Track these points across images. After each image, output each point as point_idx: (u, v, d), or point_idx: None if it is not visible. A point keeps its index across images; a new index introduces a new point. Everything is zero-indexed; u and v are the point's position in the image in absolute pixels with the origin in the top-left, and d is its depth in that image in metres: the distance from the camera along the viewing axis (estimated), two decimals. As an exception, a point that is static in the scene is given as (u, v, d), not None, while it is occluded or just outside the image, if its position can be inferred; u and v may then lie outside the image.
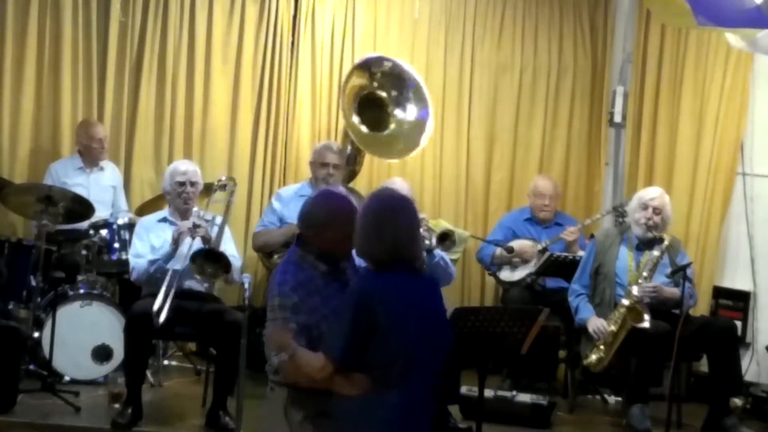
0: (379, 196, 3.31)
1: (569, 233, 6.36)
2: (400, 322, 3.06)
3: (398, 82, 6.28)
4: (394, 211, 3.19)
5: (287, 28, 7.00)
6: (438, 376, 3.22)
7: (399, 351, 3.08)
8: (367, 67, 6.23)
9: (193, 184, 5.44)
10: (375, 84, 6.25)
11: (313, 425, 3.37)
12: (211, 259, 5.17)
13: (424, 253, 5.39)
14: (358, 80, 6.18)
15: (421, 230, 5.36)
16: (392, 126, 6.30)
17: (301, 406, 3.33)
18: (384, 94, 6.27)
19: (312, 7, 6.99)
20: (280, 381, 3.44)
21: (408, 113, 6.28)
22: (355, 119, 6.17)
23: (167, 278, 5.15)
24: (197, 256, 5.12)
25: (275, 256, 6.12)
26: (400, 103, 6.27)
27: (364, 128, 6.22)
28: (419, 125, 6.25)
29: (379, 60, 6.34)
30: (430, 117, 6.26)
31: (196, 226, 5.24)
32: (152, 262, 5.26)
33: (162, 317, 5.04)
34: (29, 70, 6.63)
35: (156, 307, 5.05)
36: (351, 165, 6.42)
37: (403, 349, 3.09)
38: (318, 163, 6.05)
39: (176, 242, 5.21)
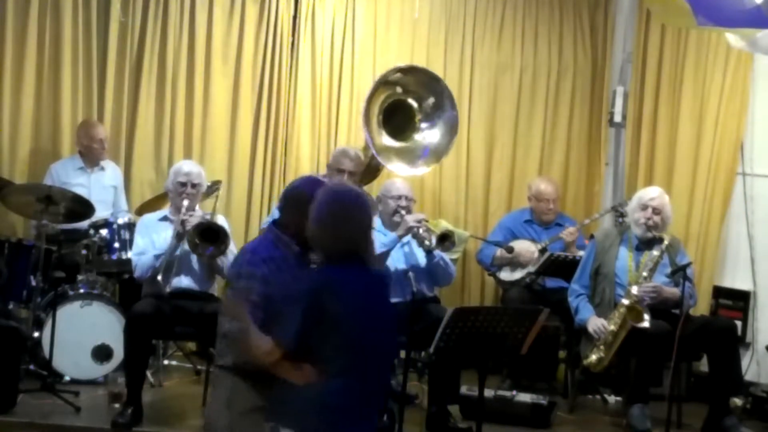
0: (336, 191, 3.35)
1: (568, 234, 6.36)
2: (349, 315, 3.12)
3: (432, 86, 6.35)
4: (350, 208, 3.24)
5: (287, 28, 7.01)
6: (387, 372, 3.29)
7: (346, 343, 3.13)
8: (390, 77, 6.31)
9: (194, 185, 5.44)
10: (400, 90, 6.31)
11: (252, 420, 3.39)
12: (206, 236, 5.19)
13: (423, 254, 5.46)
14: (383, 92, 6.27)
15: (421, 231, 5.39)
16: (415, 137, 6.37)
17: (243, 397, 3.32)
18: (414, 103, 6.32)
19: (312, 7, 6.99)
20: (224, 365, 3.52)
21: (435, 128, 6.37)
22: (382, 134, 6.24)
23: (168, 247, 5.22)
24: (192, 234, 5.16)
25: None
26: (429, 115, 6.33)
27: (388, 141, 6.28)
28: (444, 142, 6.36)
29: (404, 66, 6.44)
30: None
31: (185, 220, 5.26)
32: (157, 257, 5.26)
33: (168, 287, 5.10)
34: (29, 70, 6.63)
35: (160, 276, 5.09)
36: (372, 174, 6.47)
37: (350, 342, 3.14)
38: (334, 168, 6.07)
39: (178, 236, 5.22)
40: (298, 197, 3.58)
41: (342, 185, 3.60)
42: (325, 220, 3.21)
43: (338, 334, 3.12)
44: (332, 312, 3.11)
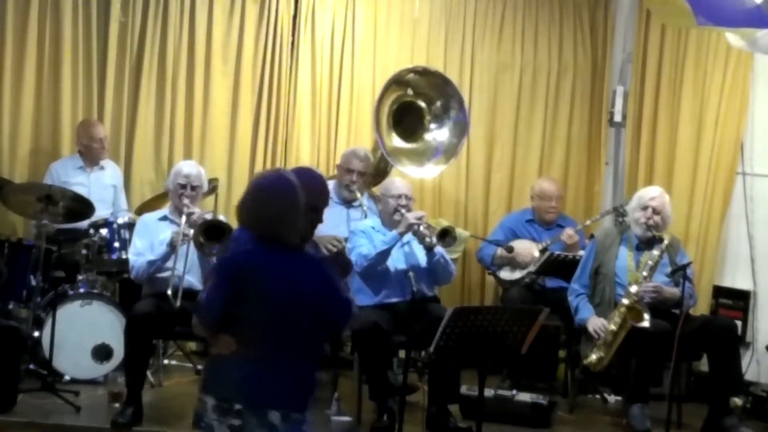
0: (261, 178, 3.57)
1: (567, 237, 6.34)
2: (264, 292, 3.32)
3: (443, 89, 6.35)
4: (271, 194, 3.42)
5: (287, 28, 7.00)
6: (306, 355, 3.41)
7: (261, 319, 3.32)
8: (403, 77, 6.31)
9: (194, 188, 5.44)
10: (411, 92, 6.32)
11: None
12: (210, 234, 5.20)
13: (424, 253, 5.45)
14: (394, 92, 6.27)
15: (422, 228, 5.39)
16: (425, 138, 6.37)
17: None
18: (424, 105, 6.33)
19: (312, 7, 6.99)
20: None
21: (444, 129, 6.38)
22: (392, 135, 6.25)
23: (175, 261, 5.20)
24: (197, 233, 5.18)
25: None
26: (439, 116, 6.34)
27: (398, 142, 6.28)
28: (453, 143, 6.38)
29: (419, 67, 6.45)
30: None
31: (187, 236, 5.26)
32: (151, 263, 5.28)
33: (179, 300, 5.09)
34: (29, 70, 6.63)
35: (170, 290, 5.10)
36: (381, 175, 6.47)
37: (265, 319, 3.32)
38: (344, 168, 6.07)
39: (173, 245, 5.23)
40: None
41: (271, 172, 3.75)
42: (249, 204, 3.44)
43: (255, 310, 3.32)
44: (249, 289, 3.31)
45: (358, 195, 6.05)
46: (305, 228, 3.53)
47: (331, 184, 6.23)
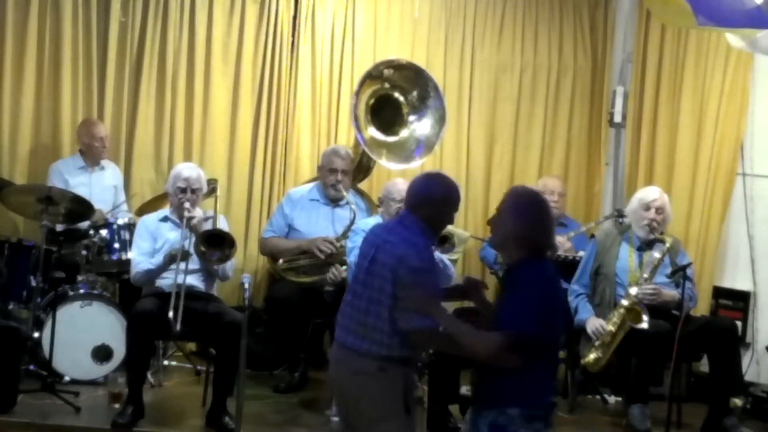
0: (525, 193, 3.64)
1: (559, 244, 6.29)
2: (562, 304, 3.65)
3: (417, 79, 6.33)
4: (540, 207, 3.53)
5: (287, 28, 7.00)
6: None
7: (556, 331, 3.52)
8: (378, 71, 6.30)
9: (194, 191, 5.45)
10: (387, 85, 6.30)
11: (417, 411, 3.64)
12: (211, 242, 5.22)
13: None
14: (370, 86, 6.25)
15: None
16: (405, 130, 6.36)
17: (413, 390, 3.55)
18: (401, 97, 6.32)
19: (312, 7, 6.98)
20: (395, 358, 3.57)
21: (424, 120, 6.35)
22: (371, 129, 6.23)
23: (174, 287, 5.19)
24: (198, 243, 5.21)
25: (280, 260, 6.13)
26: (417, 107, 6.32)
27: (377, 135, 6.26)
28: (434, 133, 6.35)
29: (393, 60, 6.42)
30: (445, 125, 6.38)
31: (189, 254, 5.28)
32: (149, 272, 5.31)
33: (178, 325, 5.08)
34: (29, 70, 6.63)
35: (171, 314, 5.09)
36: (364, 172, 6.47)
37: (558, 330, 3.54)
38: (327, 168, 6.07)
39: (171, 258, 5.24)
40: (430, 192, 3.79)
41: (523, 187, 3.91)
42: (531, 218, 3.48)
43: (558, 321, 3.49)
44: (556, 301, 3.51)
45: (345, 194, 6.06)
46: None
47: (313, 186, 6.26)
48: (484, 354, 3.35)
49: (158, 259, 5.32)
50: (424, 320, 3.50)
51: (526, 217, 3.47)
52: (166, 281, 5.31)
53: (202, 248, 5.24)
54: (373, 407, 3.61)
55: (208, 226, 5.44)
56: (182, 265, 5.23)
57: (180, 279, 5.21)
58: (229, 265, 5.44)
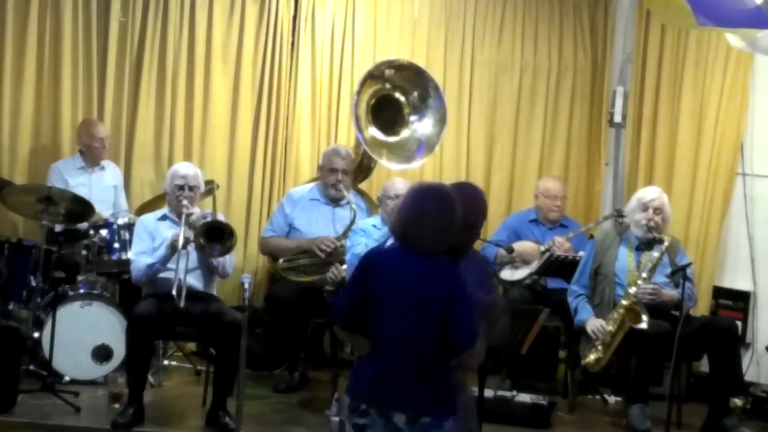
0: (423, 186, 3.65)
1: (558, 244, 6.30)
2: (384, 290, 3.38)
3: (418, 80, 6.33)
4: (416, 200, 3.51)
5: (287, 28, 7.00)
6: (435, 354, 3.38)
7: (381, 318, 3.37)
8: (379, 71, 6.30)
9: (191, 188, 5.43)
10: (388, 85, 6.30)
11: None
12: (211, 236, 5.20)
13: None
14: (371, 87, 6.26)
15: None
16: (406, 131, 6.36)
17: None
18: (402, 97, 6.32)
19: (312, 7, 6.98)
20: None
21: (425, 120, 6.34)
22: (372, 129, 6.23)
23: (177, 261, 5.19)
24: (197, 237, 5.18)
25: (281, 260, 6.14)
26: (418, 107, 6.32)
27: (378, 135, 6.26)
28: (435, 133, 6.35)
29: (394, 61, 6.42)
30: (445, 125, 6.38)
31: (189, 240, 5.26)
32: (150, 266, 5.28)
33: (182, 301, 5.09)
34: (29, 70, 6.62)
35: (174, 290, 5.09)
36: (365, 172, 6.47)
37: (384, 316, 3.37)
38: (327, 168, 6.07)
39: (173, 247, 5.23)
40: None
41: (433, 183, 3.90)
42: (399, 209, 3.58)
43: (377, 309, 3.40)
44: (373, 288, 3.41)
45: (345, 193, 6.06)
46: (462, 242, 3.62)
47: (313, 186, 6.27)
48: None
49: (160, 251, 5.30)
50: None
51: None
52: (166, 281, 5.29)
53: (202, 242, 5.22)
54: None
55: None
56: (182, 252, 5.23)
57: (182, 264, 5.20)
58: (229, 261, 5.43)
